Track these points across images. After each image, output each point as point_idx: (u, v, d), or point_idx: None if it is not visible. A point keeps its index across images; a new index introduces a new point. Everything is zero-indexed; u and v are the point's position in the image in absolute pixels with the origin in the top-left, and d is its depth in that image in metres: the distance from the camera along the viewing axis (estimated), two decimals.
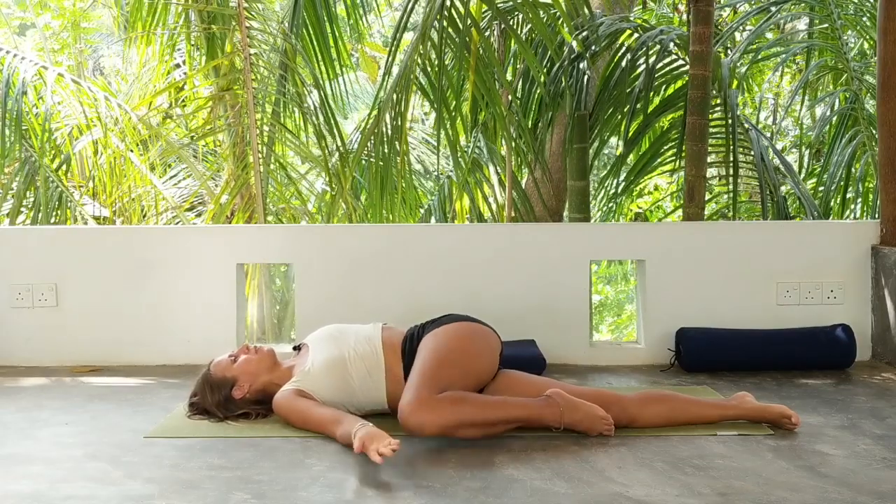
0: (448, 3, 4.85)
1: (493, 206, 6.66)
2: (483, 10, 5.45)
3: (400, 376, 2.63)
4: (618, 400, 2.59)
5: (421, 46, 4.93)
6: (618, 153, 6.18)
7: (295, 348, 2.91)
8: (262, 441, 2.49)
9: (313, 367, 2.65)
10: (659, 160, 6.02)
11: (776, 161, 6.02)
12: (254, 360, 2.74)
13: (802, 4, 6.79)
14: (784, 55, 7.08)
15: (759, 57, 7.02)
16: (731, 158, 5.57)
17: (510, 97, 5.83)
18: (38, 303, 3.68)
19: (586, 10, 5.50)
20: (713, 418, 2.61)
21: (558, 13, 5.45)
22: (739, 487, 2.07)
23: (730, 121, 5.54)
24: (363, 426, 2.29)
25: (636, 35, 5.74)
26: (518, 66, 6.23)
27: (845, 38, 6.53)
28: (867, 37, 6.59)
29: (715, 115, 5.50)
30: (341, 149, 5.56)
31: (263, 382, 2.72)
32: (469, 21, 4.89)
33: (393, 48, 5.12)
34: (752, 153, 5.68)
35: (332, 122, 5.55)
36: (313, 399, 2.59)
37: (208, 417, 2.71)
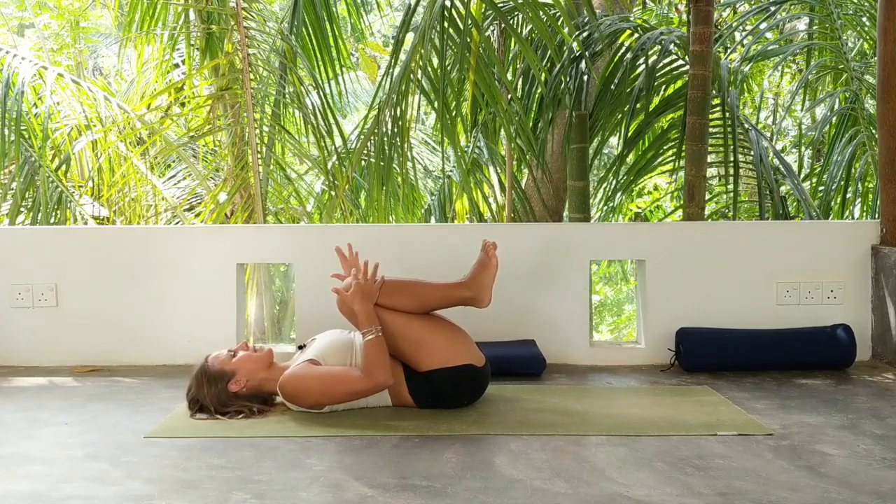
0: (448, 3, 4.85)
1: (493, 206, 6.66)
2: (483, 9, 5.45)
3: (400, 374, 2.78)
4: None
5: (421, 47, 4.93)
6: (618, 153, 6.18)
7: (299, 347, 2.93)
8: (262, 441, 2.49)
9: (319, 342, 2.84)
10: (659, 160, 6.02)
11: (776, 161, 6.02)
12: (253, 356, 2.81)
13: (802, 4, 6.79)
14: (783, 54, 7.07)
15: (759, 57, 7.02)
16: (732, 158, 5.56)
17: (510, 97, 5.82)
18: (38, 303, 3.68)
19: (592, 6, 5.50)
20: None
21: (558, 13, 5.45)
22: (739, 487, 2.07)
23: (729, 121, 5.54)
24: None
25: (636, 35, 5.74)
26: (518, 66, 6.22)
27: (845, 38, 6.52)
28: (867, 37, 6.59)
29: (715, 115, 5.50)
30: (341, 151, 5.56)
31: (260, 379, 2.79)
32: (469, 21, 4.89)
33: (395, 48, 5.11)
34: (752, 153, 5.67)
35: (333, 121, 5.55)
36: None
37: (206, 414, 2.72)
